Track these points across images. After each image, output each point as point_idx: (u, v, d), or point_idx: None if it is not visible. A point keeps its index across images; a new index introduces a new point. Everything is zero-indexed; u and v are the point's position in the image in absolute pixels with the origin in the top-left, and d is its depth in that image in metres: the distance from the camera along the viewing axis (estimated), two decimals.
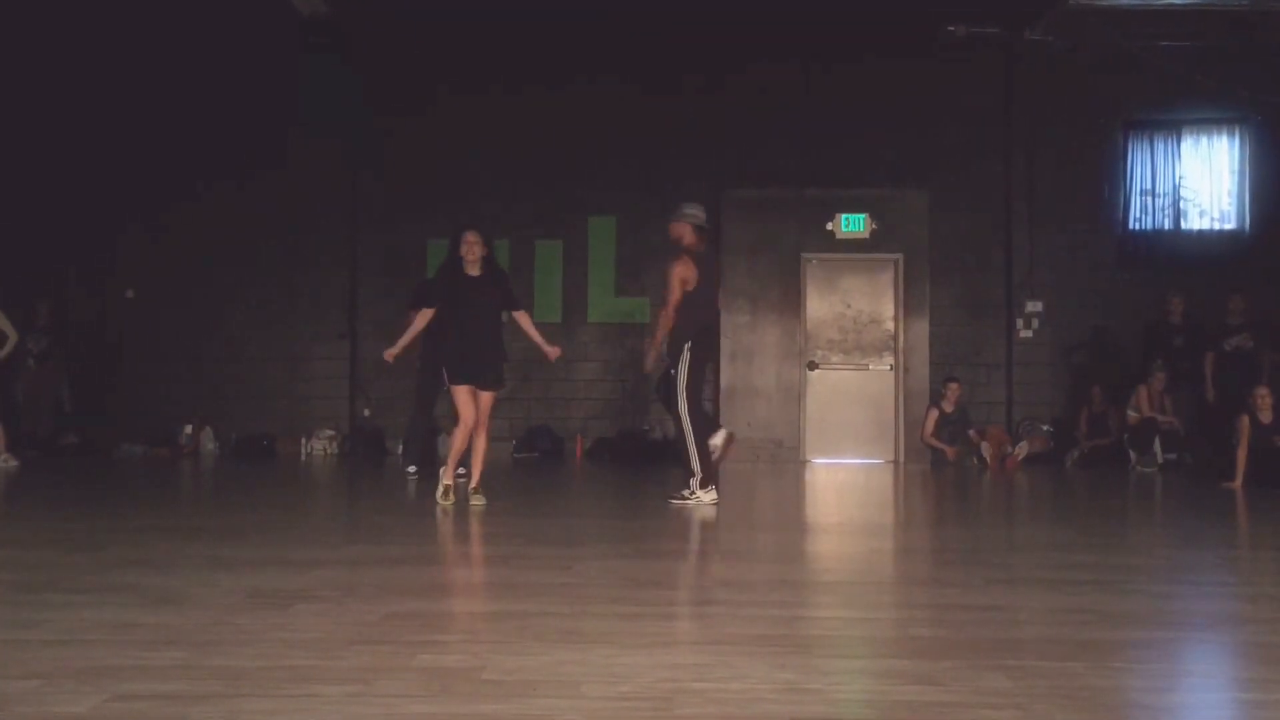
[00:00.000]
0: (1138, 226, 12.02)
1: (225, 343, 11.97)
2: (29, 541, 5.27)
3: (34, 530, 5.75)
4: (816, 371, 11.62)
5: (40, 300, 11.38)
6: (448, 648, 3.07)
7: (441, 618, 3.49)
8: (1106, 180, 11.91)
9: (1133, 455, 10.54)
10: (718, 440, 7.11)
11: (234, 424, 11.79)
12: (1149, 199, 12.02)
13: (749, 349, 11.54)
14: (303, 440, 11.60)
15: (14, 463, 9.48)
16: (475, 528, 6.01)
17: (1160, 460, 10.42)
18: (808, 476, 10.10)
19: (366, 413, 11.92)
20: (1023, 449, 10.93)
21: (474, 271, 6.85)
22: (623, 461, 11.06)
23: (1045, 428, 11.40)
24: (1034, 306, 11.73)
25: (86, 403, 11.75)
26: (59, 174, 11.79)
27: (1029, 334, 11.75)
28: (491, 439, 7.11)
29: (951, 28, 11.26)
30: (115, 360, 11.93)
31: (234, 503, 7.12)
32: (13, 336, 9.84)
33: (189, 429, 11.65)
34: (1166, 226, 12.03)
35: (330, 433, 11.65)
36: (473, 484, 6.84)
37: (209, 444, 11.74)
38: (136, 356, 11.93)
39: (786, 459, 11.40)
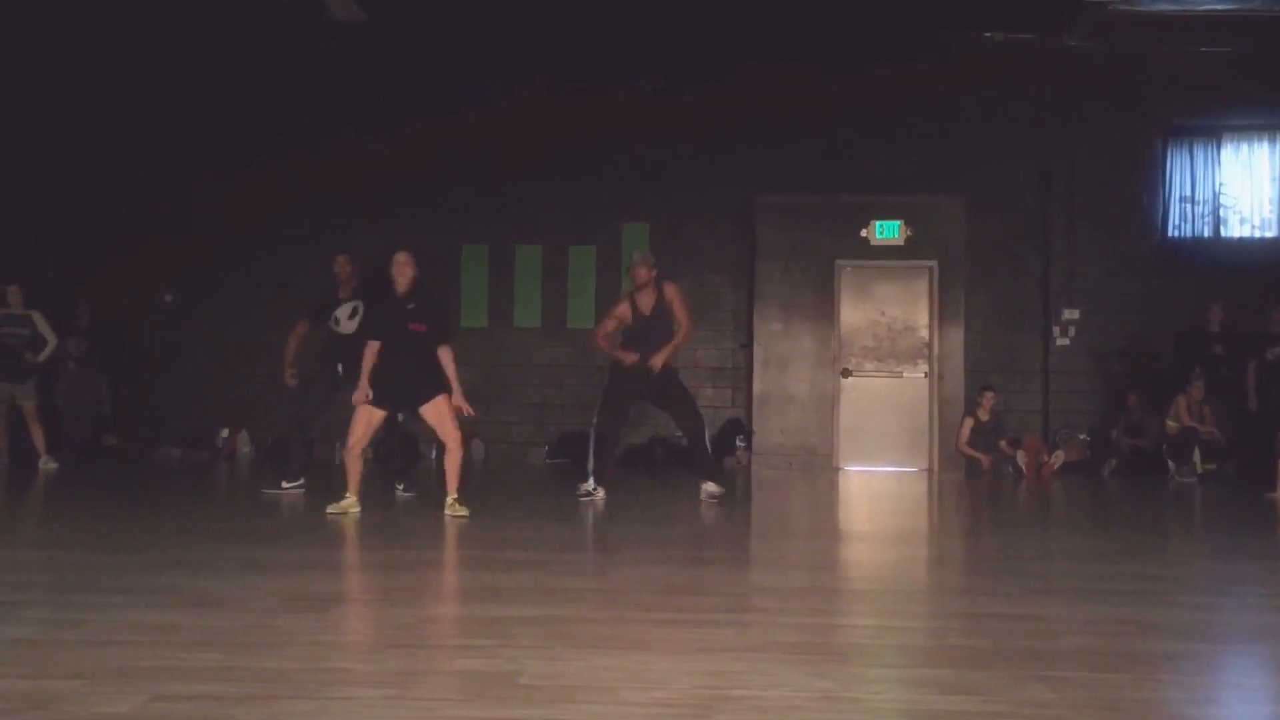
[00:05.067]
0: (1177, 234, 11.88)
1: (261, 347, 12.04)
2: (70, 543, 5.33)
3: (74, 532, 5.82)
4: (850, 379, 11.57)
5: (80, 304, 11.53)
6: (484, 652, 3.07)
7: (477, 622, 3.49)
8: (1145, 187, 11.80)
9: (1171, 465, 10.43)
10: (589, 487, 7.63)
11: (269, 427, 11.86)
12: (1188, 206, 11.88)
13: (782, 356, 11.51)
14: (336, 444, 11.64)
15: (53, 465, 9.59)
16: (507, 532, 6.03)
17: (1200, 471, 10.29)
18: (841, 484, 10.05)
19: (400, 418, 11.94)
20: (1059, 458, 10.82)
21: (403, 296, 6.71)
22: (654, 467, 11.06)
23: (1082, 436, 11.29)
24: (1071, 314, 11.63)
25: (125, 405, 11.89)
26: (95, 179, 11.95)
27: (1066, 342, 11.66)
28: (467, 447, 6.84)
29: (988, 33, 11.20)
30: (154, 364, 12.05)
31: (269, 505, 7.17)
32: (52, 340, 9.95)
33: (225, 432, 11.76)
34: (1206, 234, 11.89)
35: None
36: (451, 495, 6.58)
37: (244, 447, 11.83)
38: (175, 360, 12.05)
39: (820, 466, 11.35)
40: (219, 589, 4.03)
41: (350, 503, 6.64)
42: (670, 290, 7.75)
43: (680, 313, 7.73)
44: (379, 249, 11.68)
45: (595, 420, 7.78)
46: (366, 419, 6.68)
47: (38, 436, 9.72)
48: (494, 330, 12.07)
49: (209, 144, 11.98)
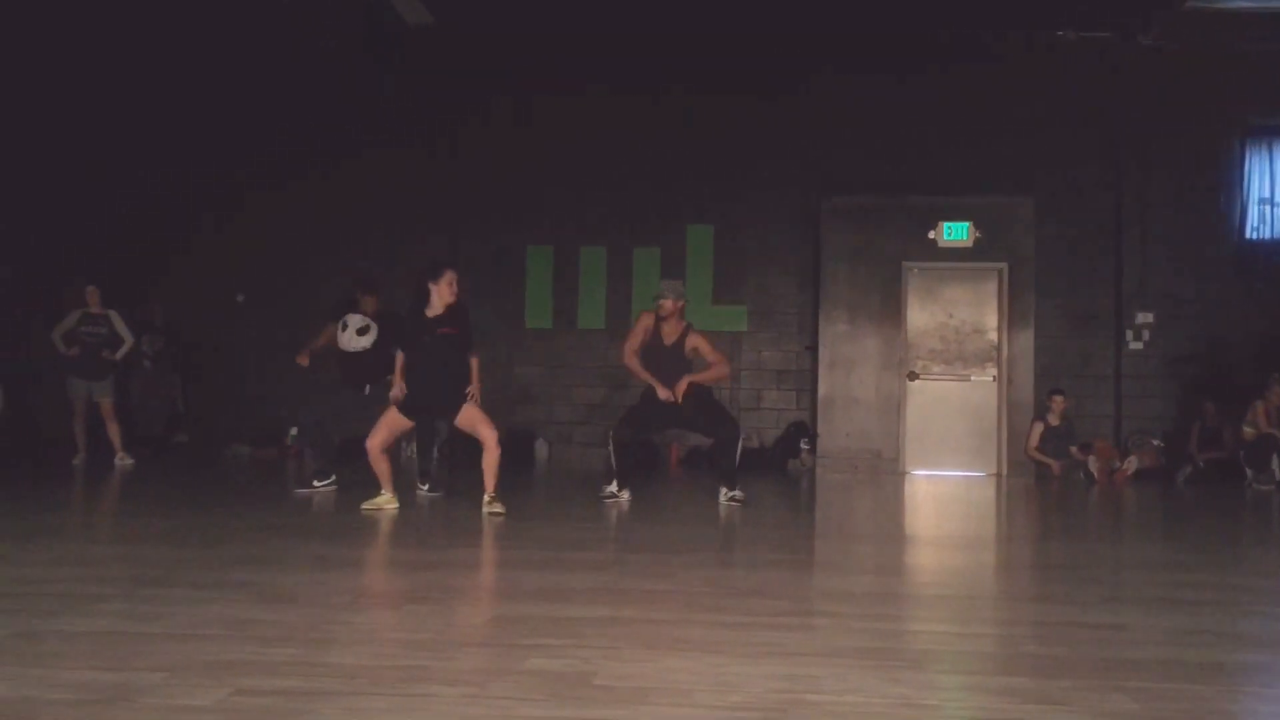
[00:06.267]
0: (1255, 236, 11.61)
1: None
2: (147, 537, 5.43)
3: (151, 527, 5.93)
4: (917, 382, 11.46)
5: (154, 303, 11.76)
6: (557, 652, 3.08)
7: (548, 622, 3.50)
8: (1223, 188, 11.55)
9: (1249, 472, 10.19)
10: (613, 489, 7.56)
11: (337, 426, 12.01)
12: (1267, 208, 11.61)
13: (848, 358, 11.43)
14: (403, 443, 11.75)
15: (129, 461, 9.81)
16: (574, 533, 6.04)
17: (1278, 478, 10.04)
18: (907, 488, 9.95)
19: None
20: (1132, 464, 10.62)
21: (436, 311, 6.76)
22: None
23: (1156, 443, 11.07)
24: (1145, 318, 11.42)
25: (197, 403, 12.11)
26: (168, 178, 12.18)
27: (1139, 346, 11.44)
28: (502, 448, 6.75)
29: (1061, 32, 11.03)
30: (225, 363, 12.26)
31: (337, 503, 7.25)
32: (129, 339, 10.17)
33: (294, 431, 11.90)
34: None
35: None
36: (488, 493, 6.64)
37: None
38: (245, 359, 12.24)
39: (885, 470, 11.25)
40: (293, 585, 4.08)
41: (386, 499, 6.74)
42: (696, 339, 7.58)
43: (711, 355, 7.57)
44: (442, 250, 11.85)
45: (614, 429, 7.69)
46: (391, 423, 6.74)
47: (114, 433, 9.93)
48: (558, 331, 12.13)
49: (280, 147, 12.17)
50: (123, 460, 9.80)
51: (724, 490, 7.59)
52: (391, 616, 3.59)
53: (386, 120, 12.07)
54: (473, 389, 6.76)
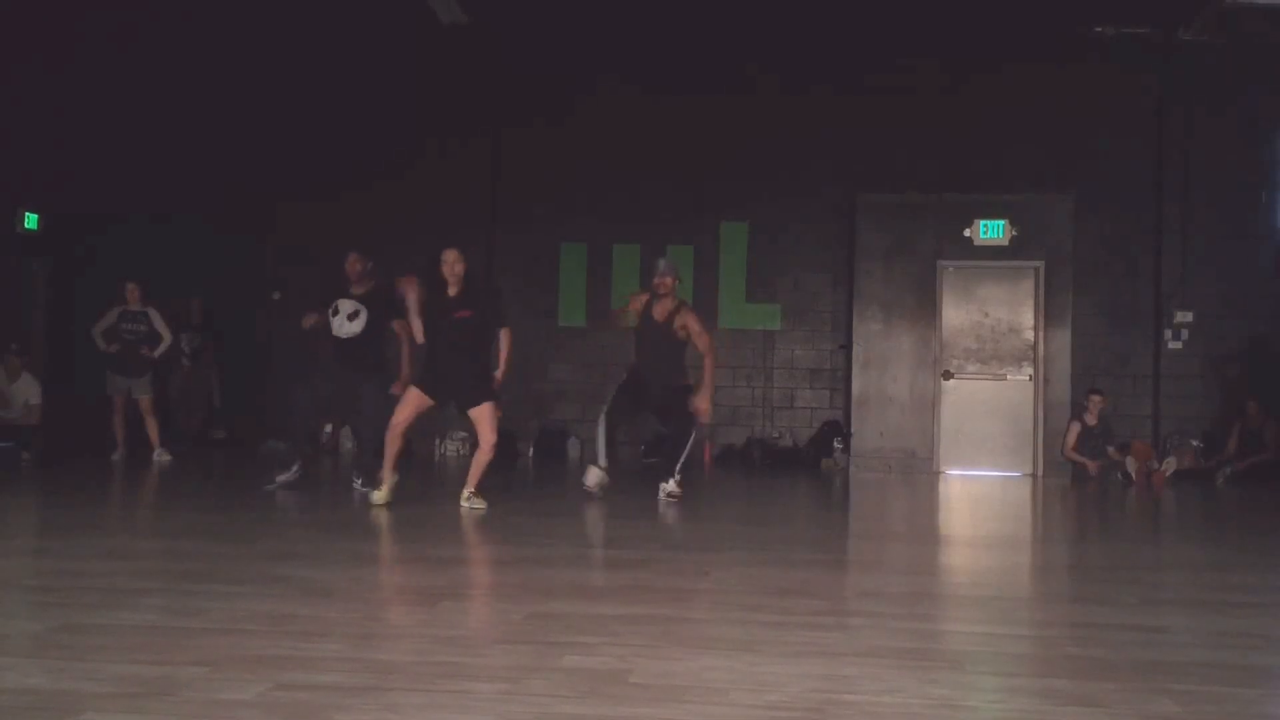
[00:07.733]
0: None
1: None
2: (185, 533, 5.49)
3: (190, 523, 5.99)
4: (952, 381, 11.38)
5: (192, 300, 11.86)
6: (593, 650, 3.08)
7: (584, 619, 3.50)
8: (1265, 185, 11.38)
9: None
10: (591, 480, 7.50)
11: (372, 425, 12.07)
12: None
13: (882, 357, 11.36)
14: (436, 441, 11.84)
15: (167, 457, 9.90)
16: (608, 531, 6.05)
17: None
18: (941, 488, 9.89)
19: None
20: (1170, 465, 10.49)
21: (453, 292, 6.69)
22: (751, 468, 11.00)
23: (1195, 443, 10.93)
24: (1184, 316, 11.27)
25: (234, 400, 12.21)
26: (206, 176, 12.26)
27: (1179, 345, 11.30)
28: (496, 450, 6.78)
29: (1100, 28, 10.92)
30: (262, 359, 12.35)
31: (370, 501, 7.28)
32: (168, 336, 10.26)
33: (329, 428, 11.99)
34: None
35: (463, 434, 11.85)
36: (469, 488, 6.64)
37: (347, 443, 12.05)
38: (282, 356, 12.31)
39: (919, 469, 11.18)
40: (330, 580, 4.11)
41: (390, 484, 6.67)
42: (687, 316, 7.53)
43: (699, 338, 7.46)
44: (477, 247, 11.87)
45: (606, 411, 7.64)
46: (415, 403, 6.68)
47: (153, 429, 10.03)
48: (591, 329, 12.12)
49: (318, 148, 12.21)
50: (161, 456, 9.89)
51: (662, 485, 7.45)
52: (427, 613, 3.60)
53: (423, 121, 12.10)
54: (498, 373, 6.70)
